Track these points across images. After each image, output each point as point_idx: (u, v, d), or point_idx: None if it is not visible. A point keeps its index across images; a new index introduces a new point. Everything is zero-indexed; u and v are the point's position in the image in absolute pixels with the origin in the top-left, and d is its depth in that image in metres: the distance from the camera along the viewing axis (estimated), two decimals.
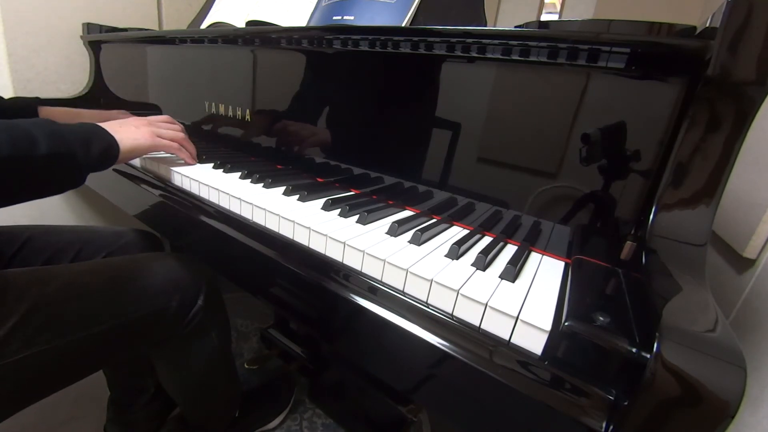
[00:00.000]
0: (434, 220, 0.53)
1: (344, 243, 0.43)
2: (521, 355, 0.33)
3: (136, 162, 0.75)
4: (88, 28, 1.12)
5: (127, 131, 0.58)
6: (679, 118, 0.38)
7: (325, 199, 0.55)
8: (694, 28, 0.38)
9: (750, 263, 0.57)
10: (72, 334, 0.49)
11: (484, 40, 0.47)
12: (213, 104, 0.84)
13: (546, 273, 0.42)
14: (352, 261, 0.43)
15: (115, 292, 0.55)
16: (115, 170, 0.75)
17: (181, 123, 0.93)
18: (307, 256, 0.47)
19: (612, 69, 0.41)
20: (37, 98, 0.79)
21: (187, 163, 0.69)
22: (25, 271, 0.51)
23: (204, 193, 0.61)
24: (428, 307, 0.38)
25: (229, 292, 0.70)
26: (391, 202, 0.59)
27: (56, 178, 0.49)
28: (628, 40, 0.39)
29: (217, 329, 0.67)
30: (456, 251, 0.43)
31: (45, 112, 0.77)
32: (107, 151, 0.53)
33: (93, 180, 0.85)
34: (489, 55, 0.48)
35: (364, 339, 0.43)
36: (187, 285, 0.61)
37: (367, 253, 0.42)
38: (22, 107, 0.75)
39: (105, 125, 0.56)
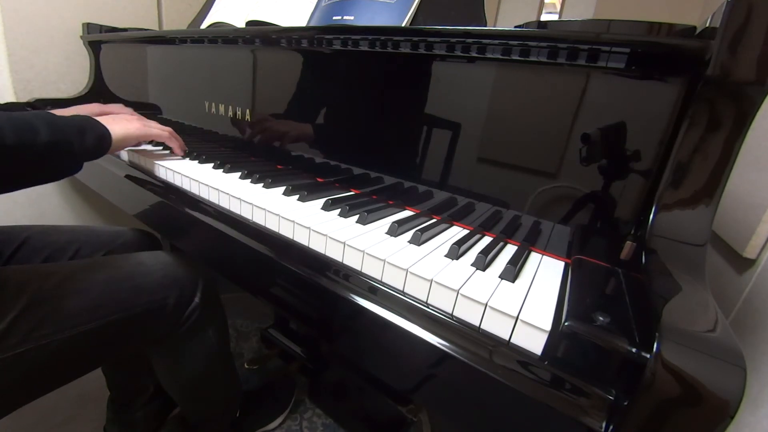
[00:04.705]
0: (434, 220, 0.53)
1: (344, 243, 0.43)
2: (521, 355, 0.33)
3: (135, 159, 0.75)
4: (88, 28, 1.12)
5: (118, 122, 0.62)
6: (678, 118, 0.38)
7: (325, 199, 0.55)
8: (694, 28, 0.38)
9: (750, 263, 0.56)
10: (70, 330, 0.50)
11: (484, 40, 0.47)
12: (213, 104, 0.84)
13: (546, 273, 0.42)
14: (352, 261, 0.43)
15: (113, 288, 0.55)
16: (116, 170, 0.75)
17: (181, 123, 0.93)
18: (306, 256, 0.47)
19: (612, 69, 0.41)
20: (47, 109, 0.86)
21: (175, 154, 0.75)
22: (23, 267, 0.52)
23: (204, 193, 0.61)
24: (428, 307, 0.38)
25: (228, 292, 0.70)
26: (391, 202, 0.59)
27: (56, 164, 0.52)
28: (628, 40, 0.39)
29: (215, 327, 0.68)
30: (456, 251, 0.43)
31: None
32: (101, 140, 0.57)
33: (93, 180, 0.86)
34: (489, 55, 0.48)
35: (364, 339, 0.43)
36: (184, 282, 0.62)
37: (367, 253, 0.42)
38: None
39: (97, 118, 0.59)
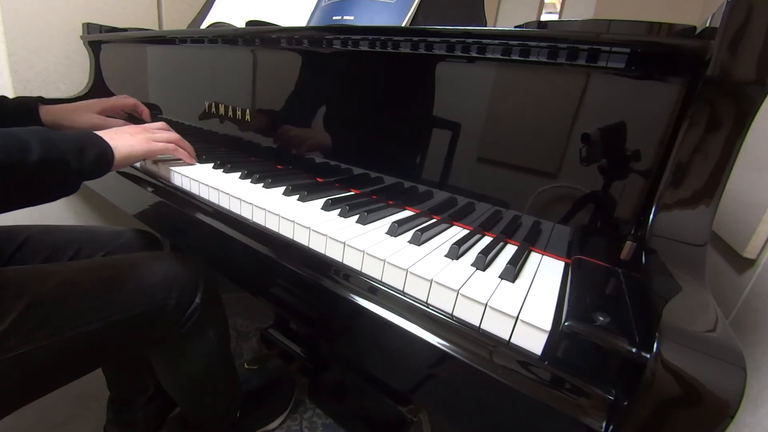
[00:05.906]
0: (434, 220, 0.53)
1: (344, 243, 0.43)
2: (521, 355, 0.33)
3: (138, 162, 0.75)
4: (88, 28, 1.12)
5: (122, 138, 0.58)
6: (679, 118, 0.38)
7: (325, 199, 0.55)
8: (694, 28, 0.38)
9: (750, 263, 0.57)
10: (70, 331, 0.49)
11: (484, 40, 0.47)
12: (213, 104, 0.84)
13: (546, 273, 0.42)
14: (352, 261, 0.43)
15: (113, 289, 0.55)
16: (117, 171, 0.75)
17: (181, 123, 0.93)
18: (307, 256, 0.47)
19: (612, 69, 0.41)
20: (39, 97, 0.81)
21: (186, 163, 0.69)
22: (23, 268, 0.52)
23: (204, 193, 0.61)
24: (428, 307, 0.38)
25: (229, 292, 0.70)
26: (391, 202, 0.59)
27: (49, 185, 0.48)
28: (628, 40, 0.39)
29: (215, 328, 0.68)
30: (456, 251, 0.43)
31: (45, 110, 0.77)
32: (101, 158, 0.53)
33: (94, 180, 0.86)
34: (489, 55, 0.48)
35: (364, 339, 0.43)
36: (184, 283, 0.61)
37: (367, 253, 0.42)
38: (24, 106, 0.75)
39: (101, 133, 0.56)
